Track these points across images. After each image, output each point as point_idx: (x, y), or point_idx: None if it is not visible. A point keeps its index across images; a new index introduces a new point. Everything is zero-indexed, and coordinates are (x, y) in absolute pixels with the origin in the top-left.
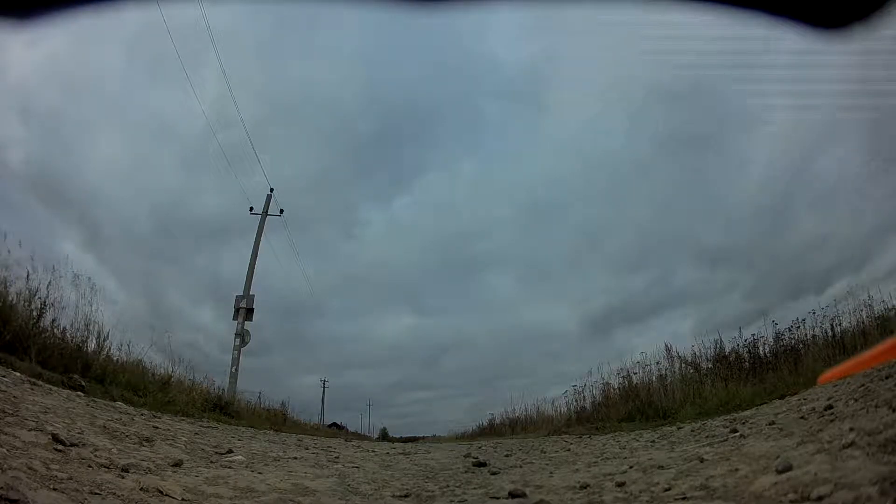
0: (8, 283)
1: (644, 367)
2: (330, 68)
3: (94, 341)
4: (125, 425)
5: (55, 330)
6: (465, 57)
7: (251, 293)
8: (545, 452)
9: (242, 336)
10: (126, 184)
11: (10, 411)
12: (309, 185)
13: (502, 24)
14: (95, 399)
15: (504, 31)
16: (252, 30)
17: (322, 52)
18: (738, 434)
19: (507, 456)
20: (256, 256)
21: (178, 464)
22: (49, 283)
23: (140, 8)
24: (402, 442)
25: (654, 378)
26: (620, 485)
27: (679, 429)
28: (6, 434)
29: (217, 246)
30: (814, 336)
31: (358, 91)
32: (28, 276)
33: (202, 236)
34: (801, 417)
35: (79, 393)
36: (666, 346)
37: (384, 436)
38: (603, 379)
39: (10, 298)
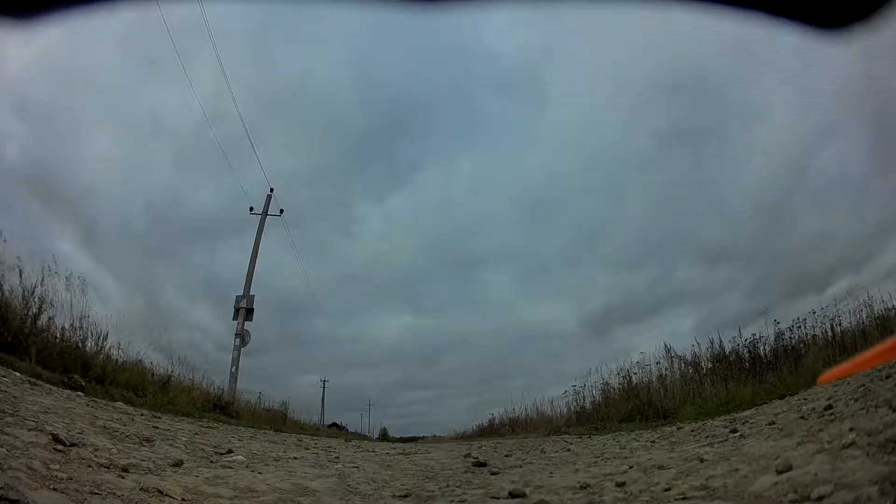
0: (4, 282)
1: (644, 367)
2: (326, 65)
3: (93, 341)
4: (125, 425)
5: (54, 329)
6: (462, 53)
7: (251, 293)
8: (545, 452)
9: (242, 336)
10: (122, 181)
11: (10, 411)
12: (305, 182)
13: (500, 21)
14: (95, 399)
15: (501, 27)
16: (245, 26)
17: (318, 49)
18: (738, 434)
19: (507, 456)
20: (256, 256)
21: (178, 464)
22: (43, 279)
23: (138, 7)
24: (402, 442)
25: (653, 378)
26: (620, 485)
27: (679, 429)
28: (6, 434)
29: (214, 243)
30: (814, 336)
31: (354, 88)
32: (21, 273)
33: (199, 234)
34: (801, 417)
35: (79, 393)
36: (665, 345)
37: (384, 436)
38: (603, 379)
39: (6, 297)
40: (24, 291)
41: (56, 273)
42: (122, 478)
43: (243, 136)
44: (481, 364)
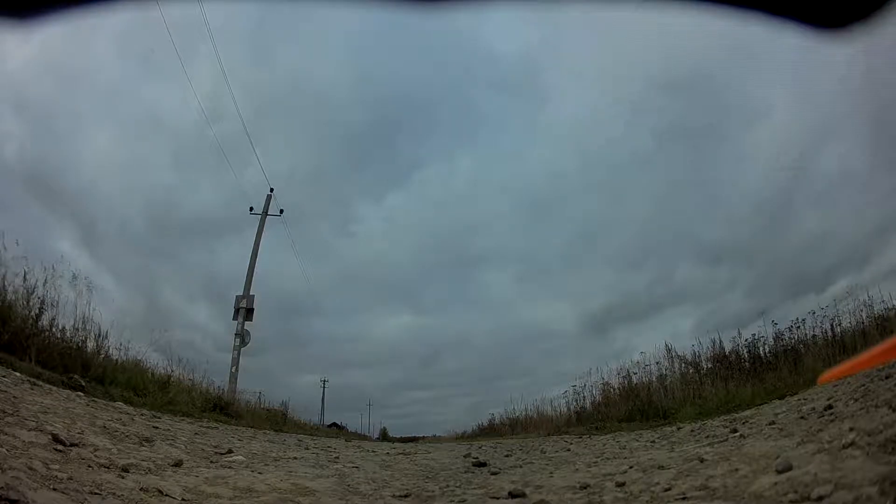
0: (6, 282)
1: (644, 367)
2: (325, 64)
3: (94, 341)
4: (125, 425)
5: (54, 329)
6: (462, 52)
7: (251, 293)
8: (545, 452)
9: (242, 336)
10: (122, 180)
11: (10, 411)
12: (304, 181)
13: (500, 20)
14: (95, 399)
15: (501, 27)
16: (245, 25)
17: (317, 49)
18: (738, 434)
19: (507, 456)
20: (256, 256)
21: (178, 464)
22: (45, 281)
23: (137, 6)
24: (402, 442)
25: (653, 378)
26: (620, 485)
27: (679, 429)
28: (6, 434)
29: (214, 243)
30: (814, 336)
31: (353, 87)
32: (25, 274)
33: (199, 233)
34: (801, 417)
35: (79, 393)
36: (666, 345)
37: (384, 436)
38: (603, 379)
39: (8, 297)
40: (26, 292)
41: (56, 272)
42: (122, 478)
43: (242, 136)
44: (481, 364)
